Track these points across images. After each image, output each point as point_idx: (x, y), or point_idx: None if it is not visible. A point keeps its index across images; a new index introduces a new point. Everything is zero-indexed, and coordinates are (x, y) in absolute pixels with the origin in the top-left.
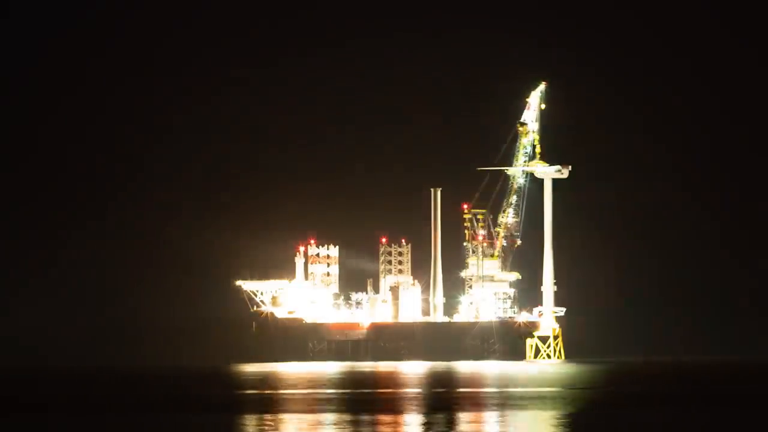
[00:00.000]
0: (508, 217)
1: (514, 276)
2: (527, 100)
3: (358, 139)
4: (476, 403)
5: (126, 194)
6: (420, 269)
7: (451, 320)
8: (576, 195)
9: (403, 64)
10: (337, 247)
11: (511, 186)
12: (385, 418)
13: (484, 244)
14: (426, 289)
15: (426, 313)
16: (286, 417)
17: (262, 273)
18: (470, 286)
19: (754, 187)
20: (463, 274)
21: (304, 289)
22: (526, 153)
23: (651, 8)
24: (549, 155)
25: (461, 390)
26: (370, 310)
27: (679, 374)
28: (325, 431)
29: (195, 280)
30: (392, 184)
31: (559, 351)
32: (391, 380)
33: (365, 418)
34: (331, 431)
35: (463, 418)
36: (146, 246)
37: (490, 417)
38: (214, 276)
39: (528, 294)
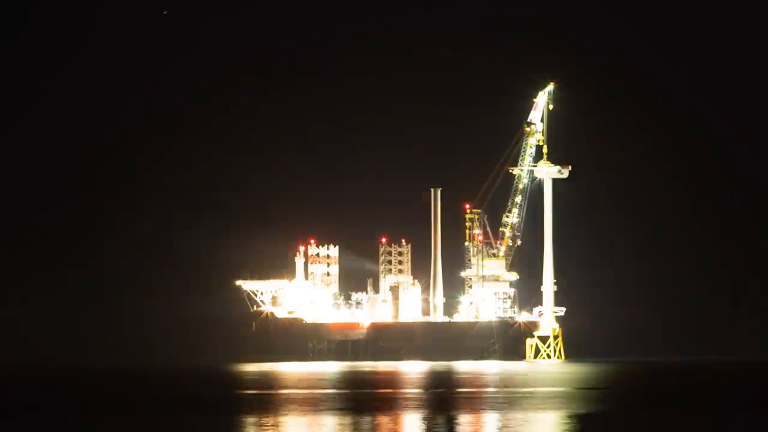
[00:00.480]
0: (514, 217)
1: (513, 276)
2: (534, 100)
3: (359, 139)
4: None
5: (127, 194)
6: (420, 269)
7: (451, 320)
8: (576, 195)
9: (403, 64)
10: (337, 247)
11: (516, 186)
12: (385, 418)
13: (485, 244)
14: (426, 289)
15: (426, 313)
16: (284, 419)
17: (262, 273)
18: (470, 286)
19: (754, 187)
20: (466, 273)
21: (304, 289)
22: (531, 153)
23: (650, 8)
24: (552, 155)
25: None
26: (370, 310)
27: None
28: None
29: (195, 280)
30: (392, 184)
31: (559, 351)
32: (391, 380)
33: (365, 419)
34: None
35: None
36: (146, 246)
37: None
38: (214, 276)
39: (528, 294)
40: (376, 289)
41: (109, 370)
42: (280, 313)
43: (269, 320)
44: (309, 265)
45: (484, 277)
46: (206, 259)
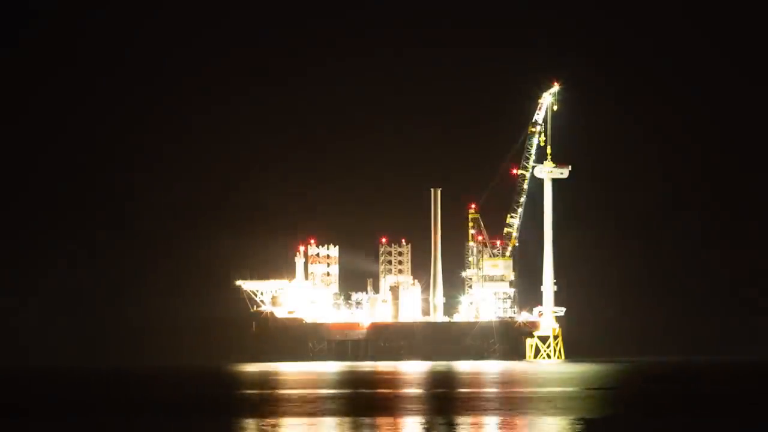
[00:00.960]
0: (519, 218)
1: (512, 276)
2: (539, 101)
3: (359, 139)
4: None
5: (127, 194)
6: (420, 269)
7: (451, 320)
8: (576, 195)
9: (404, 64)
10: (337, 247)
11: (521, 186)
12: (385, 420)
13: (489, 245)
14: (426, 289)
15: (426, 313)
16: (284, 421)
17: (262, 273)
18: (470, 286)
19: (755, 187)
20: (467, 273)
21: (304, 289)
22: (535, 154)
23: (652, 9)
24: (555, 156)
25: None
26: (370, 310)
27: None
28: None
29: (195, 280)
30: (392, 184)
31: (559, 351)
32: (391, 380)
33: (365, 420)
34: None
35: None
36: (147, 246)
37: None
38: (214, 276)
39: (528, 294)
40: (376, 289)
41: (108, 371)
42: (280, 313)
43: (269, 320)
44: (309, 265)
45: (488, 277)
46: (206, 259)
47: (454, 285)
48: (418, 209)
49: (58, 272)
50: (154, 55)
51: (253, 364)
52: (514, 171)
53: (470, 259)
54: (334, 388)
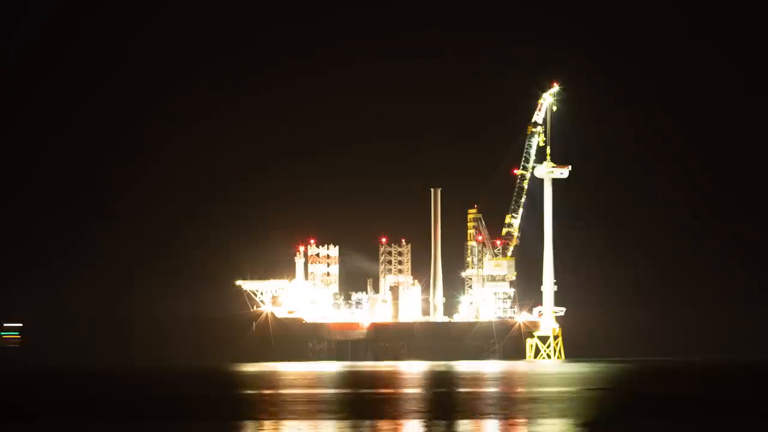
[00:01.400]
0: (520, 218)
1: (514, 275)
2: (539, 101)
3: (359, 139)
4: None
5: (127, 195)
6: (420, 269)
7: (451, 320)
8: (576, 195)
9: (404, 64)
10: (337, 247)
11: (522, 187)
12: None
13: (490, 244)
14: (426, 289)
15: (426, 313)
16: (284, 422)
17: (262, 273)
18: (470, 286)
19: (755, 187)
20: (468, 273)
21: (304, 289)
22: (535, 154)
23: (652, 9)
24: (555, 156)
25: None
26: (370, 310)
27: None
28: None
29: (195, 280)
30: (392, 184)
31: (559, 351)
32: (391, 380)
33: (365, 421)
34: None
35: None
36: (147, 246)
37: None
38: (214, 276)
39: (528, 294)
40: (376, 289)
41: (108, 371)
42: (280, 313)
43: (269, 320)
44: (309, 265)
45: (490, 277)
46: (206, 259)
47: (454, 285)
48: (418, 209)
49: (57, 272)
50: (155, 55)
51: (253, 364)
52: (515, 171)
53: (470, 259)
54: (334, 388)
